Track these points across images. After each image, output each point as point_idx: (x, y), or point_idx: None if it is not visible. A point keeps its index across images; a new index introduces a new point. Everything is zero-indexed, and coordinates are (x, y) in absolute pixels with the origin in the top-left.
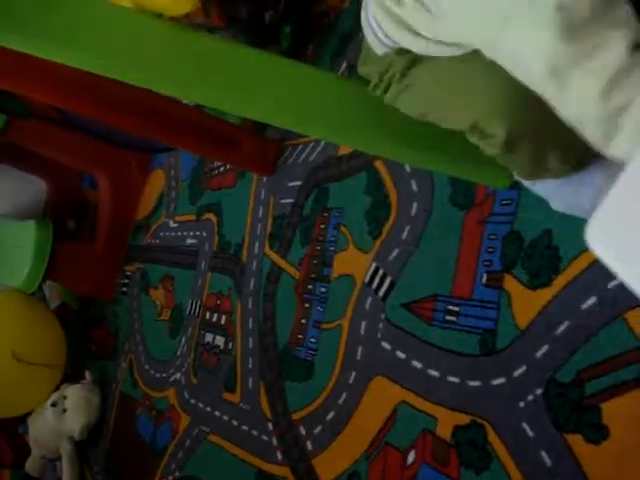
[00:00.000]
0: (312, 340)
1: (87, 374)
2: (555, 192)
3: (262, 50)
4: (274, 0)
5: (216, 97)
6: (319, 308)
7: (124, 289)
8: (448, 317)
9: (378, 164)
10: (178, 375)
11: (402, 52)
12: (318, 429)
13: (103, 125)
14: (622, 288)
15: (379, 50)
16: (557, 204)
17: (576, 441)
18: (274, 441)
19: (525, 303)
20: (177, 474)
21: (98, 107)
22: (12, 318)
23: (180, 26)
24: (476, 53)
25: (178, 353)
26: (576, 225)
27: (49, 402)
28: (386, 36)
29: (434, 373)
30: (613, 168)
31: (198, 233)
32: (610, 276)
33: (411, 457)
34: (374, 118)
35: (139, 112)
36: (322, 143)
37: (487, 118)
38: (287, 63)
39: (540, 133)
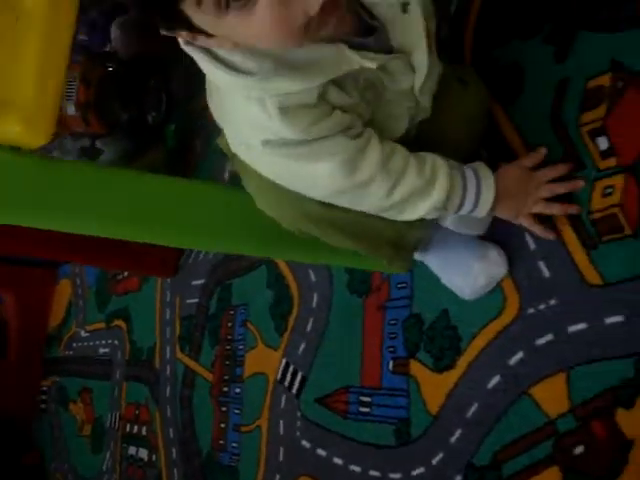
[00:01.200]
0: (234, 445)
1: None
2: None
3: (130, 169)
4: (155, 101)
5: (93, 226)
6: (236, 410)
7: (43, 405)
8: (362, 408)
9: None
10: None
11: None
12: None
13: None
14: (522, 364)
15: None
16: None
17: None
18: None
19: (433, 388)
20: None
21: None
22: None
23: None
24: None
25: (104, 468)
26: (470, 306)
27: None
28: None
29: (356, 469)
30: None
31: (110, 341)
32: (511, 352)
33: None
34: (261, 223)
35: (26, 234)
36: None
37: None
38: (163, 180)
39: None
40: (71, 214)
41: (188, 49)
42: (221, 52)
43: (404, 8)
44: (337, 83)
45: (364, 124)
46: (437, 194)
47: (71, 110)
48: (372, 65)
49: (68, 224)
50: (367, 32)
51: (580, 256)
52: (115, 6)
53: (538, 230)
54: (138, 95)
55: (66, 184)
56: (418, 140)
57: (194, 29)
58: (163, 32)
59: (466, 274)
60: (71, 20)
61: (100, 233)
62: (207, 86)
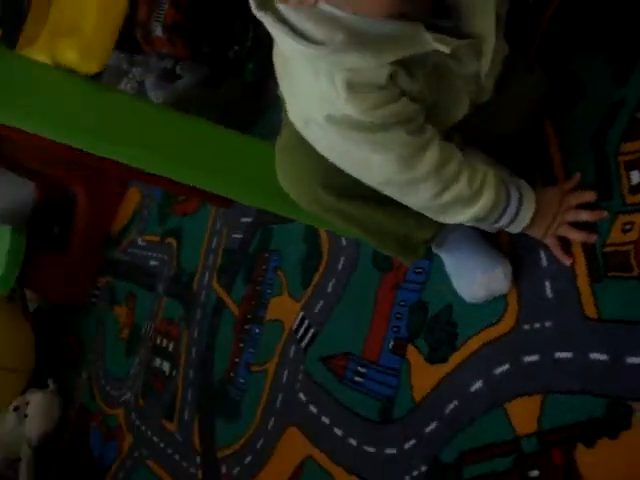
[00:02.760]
0: (242, 381)
1: (50, 383)
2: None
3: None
4: (240, 37)
5: (133, 156)
6: (251, 350)
7: (94, 300)
8: (357, 378)
9: None
10: (128, 395)
11: None
12: (237, 470)
13: None
14: (506, 376)
15: None
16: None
17: None
18: (199, 474)
19: (423, 376)
20: None
21: None
22: None
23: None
24: None
25: (131, 373)
26: (473, 307)
27: (12, 406)
28: None
29: (338, 432)
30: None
31: (160, 256)
32: (498, 362)
33: None
34: None
35: None
36: None
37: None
38: (209, 128)
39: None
40: (117, 142)
41: (257, 12)
42: (292, 18)
43: None
44: (406, 66)
45: (426, 112)
46: (481, 206)
47: (158, 31)
48: (446, 49)
49: (113, 151)
50: (441, 14)
51: (584, 286)
52: None
53: (558, 252)
54: (225, 27)
55: (115, 113)
56: (470, 121)
57: None
58: None
59: (469, 282)
60: None
61: (143, 166)
62: (274, 57)
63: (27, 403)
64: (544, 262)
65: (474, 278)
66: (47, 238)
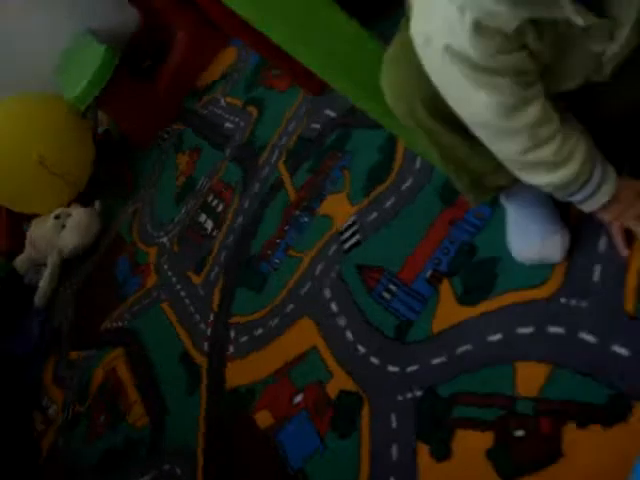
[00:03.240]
0: (276, 260)
1: (96, 203)
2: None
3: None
4: None
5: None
6: (294, 235)
7: (160, 142)
8: (385, 294)
9: None
10: (165, 239)
11: None
12: (244, 338)
13: None
14: (527, 339)
15: None
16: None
17: (422, 450)
18: (208, 332)
19: (448, 312)
20: (124, 324)
21: None
22: (51, 124)
23: None
24: None
25: (175, 220)
26: (519, 265)
27: (54, 214)
28: None
29: (350, 336)
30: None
31: (237, 120)
32: (523, 323)
33: (298, 398)
34: None
35: None
36: None
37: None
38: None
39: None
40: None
41: None
42: None
43: None
44: (536, 25)
45: (540, 72)
46: (561, 175)
47: None
48: (580, 22)
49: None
50: None
51: (632, 281)
52: None
53: (619, 241)
54: None
55: None
56: (579, 95)
57: None
58: None
59: (525, 242)
60: None
61: (257, 23)
62: None
63: (69, 215)
64: (602, 246)
65: (531, 240)
66: (136, 69)
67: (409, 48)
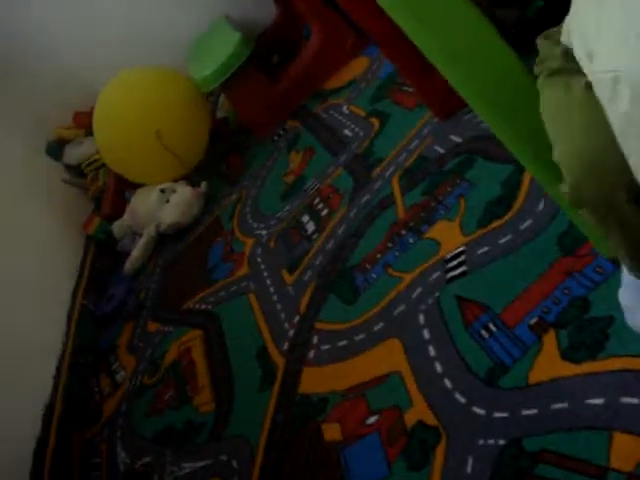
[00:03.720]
0: (373, 275)
1: (203, 185)
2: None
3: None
4: None
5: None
6: (396, 253)
7: (276, 137)
8: (482, 331)
9: None
10: (264, 232)
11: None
12: (326, 347)
13: None
14: (631, 409)
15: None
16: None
17: None
18: (290, 333)
19: (548, 365)
20: (208, 307)
21: None
22: (174, 100)
23: None
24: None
25: (277, 215)
26: (635, 331)
27: (160, 187)
28: None
29: (439, 368)
30: None
31: (357, 130)
32: (630, 393)
33: (372, 419)
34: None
35: None
36: None
37: (566, 158)
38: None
39: (610, 200)
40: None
41: None
42: None
43: None
44: None
45: None
46: None
47: None
48: None
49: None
50: None
51: None
52: None
53: None
54: None
55: None
56: None
57: None
58: None
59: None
60: None
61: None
62: None
63: (174, 191)
64: None
65: None
66: (264, 62)
67: (592, 100)
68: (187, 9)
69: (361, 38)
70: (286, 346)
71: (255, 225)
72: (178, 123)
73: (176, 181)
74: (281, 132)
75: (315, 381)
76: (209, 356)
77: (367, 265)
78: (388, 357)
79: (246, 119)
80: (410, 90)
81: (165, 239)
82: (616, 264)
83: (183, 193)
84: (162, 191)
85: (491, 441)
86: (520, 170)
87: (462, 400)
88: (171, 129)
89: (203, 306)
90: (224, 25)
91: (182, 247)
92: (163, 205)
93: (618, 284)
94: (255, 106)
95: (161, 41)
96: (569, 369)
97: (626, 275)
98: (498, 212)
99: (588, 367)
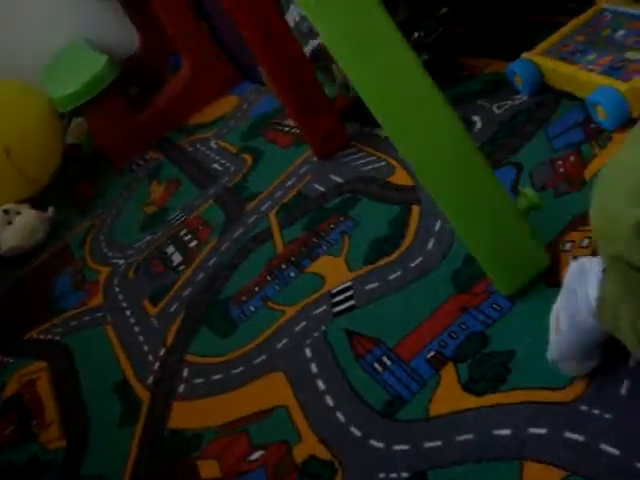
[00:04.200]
0: (251, 308)
1: (50, 210)
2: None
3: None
4: (430, 24)
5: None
6: (277, 287)
7: (134, 167)
8: (376, 365)
9: (415, 209)
10: (122, 261)
11: None
12: (199, 380)
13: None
14: (540, 439)
15: None
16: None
17: None
18: (156, 365)
19: (449, 397)
20: (55, 337)
21: None
22: (25, 117)
23: None
24: None
25: (136, 245)
26: (537, 365)
27: (3, 207)
28: None
29: (330, 402)
30: None
31: (228, 165)
32: (537, 423)
33: (256, 455)
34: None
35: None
36: (383, 162)
37: None
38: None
39: None
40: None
41: None
42: None
43: None
44: None
45: None
46: None
47: None
48: None
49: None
50: None
51: None
52: None
53: None
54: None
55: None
56: None
57: None
58: None
59: (565, 348)
60: None
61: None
62: None
63: (18, 213)
64: (632, 362)
65: (571, 350)
66: (122, 92)
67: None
68: (43, 27)
69: (234, 75)
70: (151, 380)
71: (111, 254)
72: (28, 140)
73: (21, 202)
74: (141, 162)
75: (187, 416)
76: (57, 390)
77: (243, 297)
78: (272, 391)
79: (103, 145)
80: (286, 129)
81: (4, 263)
82: (515, 299)
83: (27, 216)
84: (5, 212)
85: (393, 474)
86: (408, 210)
87: (358, 433)
88: (21, 146)
89: (49, 336)
90: (84, 47)
91: (24, 273)
92: (5, 226)
93: (516, 319)
94: (114, 133)
95: (14, 57)
96: (472, 401)
97: (567, 329)
98: (386, 250)
99: (492, 399)
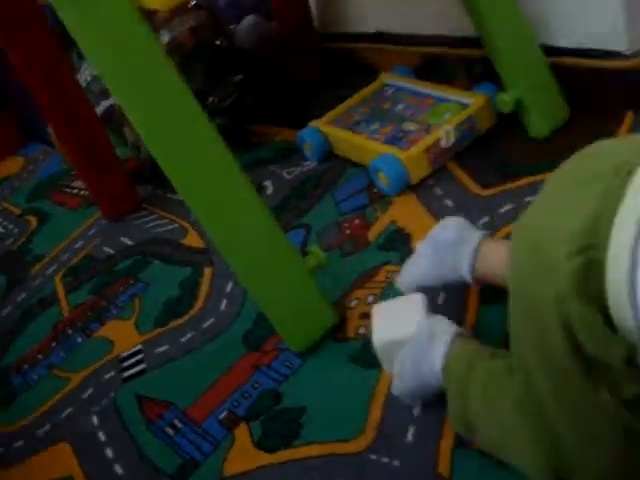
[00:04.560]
0: (34, 377)
1: None
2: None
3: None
4: (226, 89)
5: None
6: (62, 354)
7: None
8: (168, 429)
9: (207, 270)
10: None
11: None
12: None
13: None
14: None
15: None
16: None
17: None
18: None
19: (242, 457)
20: None
21: None
22: None
23: None
24: None
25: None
26: (327, 418)
27: None
28: None
29: (118, 470)
30: None
31: (11, 227)
32: (327, 476)
33: None
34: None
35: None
36: (175, 224)
37: None
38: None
39: None
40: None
41: None
42: None
43: None
44: None
45: None
46: None
47: None
48: None
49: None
50: None
51: (446, 447)
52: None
53: None
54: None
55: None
56: None
57: None
58: None
59: (407, 393)
60: None
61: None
62: None
63: None
64: (417, 411)
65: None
66: None
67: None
68: None
69: (20, 136)
70: None
71: None
72: None
73: None
74: None
75: None
76: None
77: (25, 365)
78: (57, 463)
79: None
80: (74, 191)
81: None
82: (305, 356)
83: None
84: None
85: None
86: (200, 271)
87: None
88: None
89: None
90: None
91: None
92: None
93: (307, 376)
94: None
95: None
96: (265, 459)
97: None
98: (177, 311)
99: (285, 455)
